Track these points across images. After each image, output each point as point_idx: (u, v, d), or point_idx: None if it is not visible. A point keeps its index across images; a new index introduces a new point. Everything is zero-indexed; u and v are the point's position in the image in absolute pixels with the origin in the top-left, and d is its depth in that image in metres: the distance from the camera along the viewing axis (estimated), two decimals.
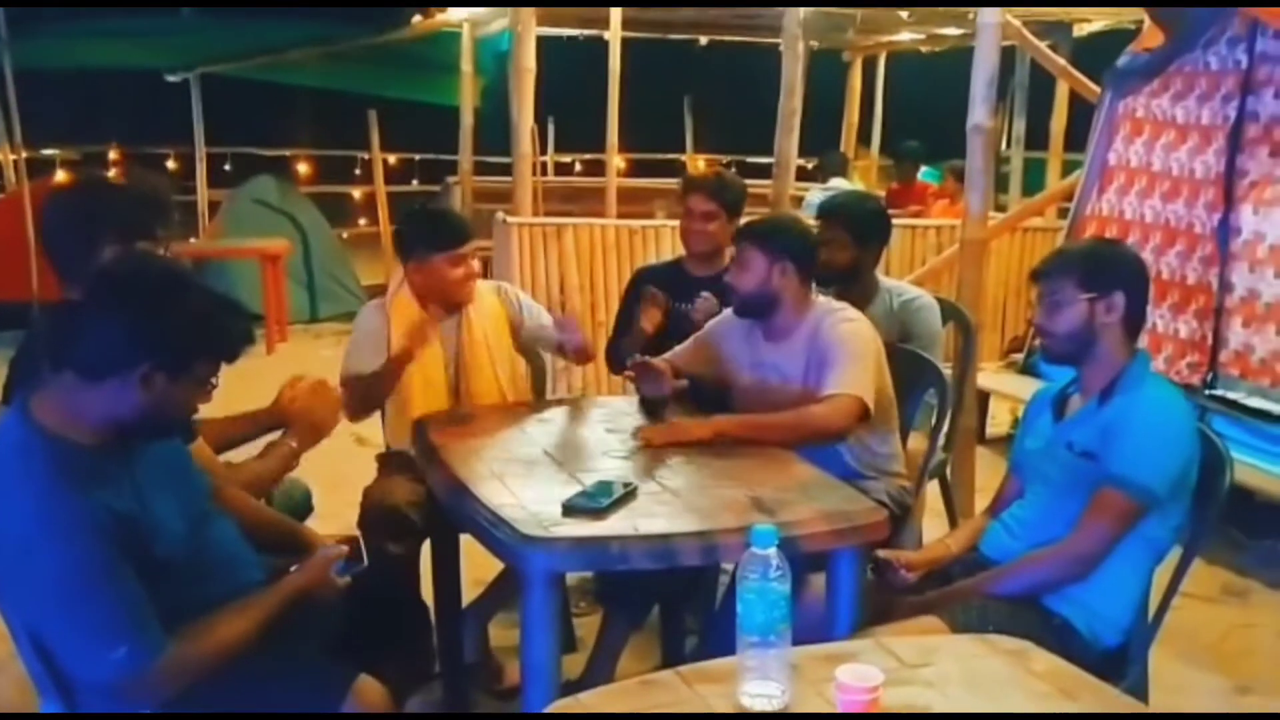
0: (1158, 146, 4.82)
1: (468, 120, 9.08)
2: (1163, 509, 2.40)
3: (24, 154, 8.92)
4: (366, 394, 3.26)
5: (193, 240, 10.57)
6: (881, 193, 8.90)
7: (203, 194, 11.11)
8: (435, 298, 3.33)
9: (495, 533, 2.27)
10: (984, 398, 5.50)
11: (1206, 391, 4.63)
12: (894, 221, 7.23)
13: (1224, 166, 4.52)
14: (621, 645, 3.12)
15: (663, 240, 6.65)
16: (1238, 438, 4.43)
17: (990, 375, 5.55)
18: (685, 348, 3.33)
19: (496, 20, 8.68)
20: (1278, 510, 4.13)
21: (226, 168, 11.97)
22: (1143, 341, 4.81)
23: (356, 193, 12.20)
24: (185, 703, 1.99)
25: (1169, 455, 2.38)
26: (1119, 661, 2.46)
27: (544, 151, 11.57)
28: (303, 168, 12.17)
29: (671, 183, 11.37)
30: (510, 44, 9.94)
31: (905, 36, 9.29)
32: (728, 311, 3.27)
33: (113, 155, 11.66)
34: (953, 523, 3.82)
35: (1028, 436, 2.70)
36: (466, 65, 9.00)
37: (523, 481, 2.52)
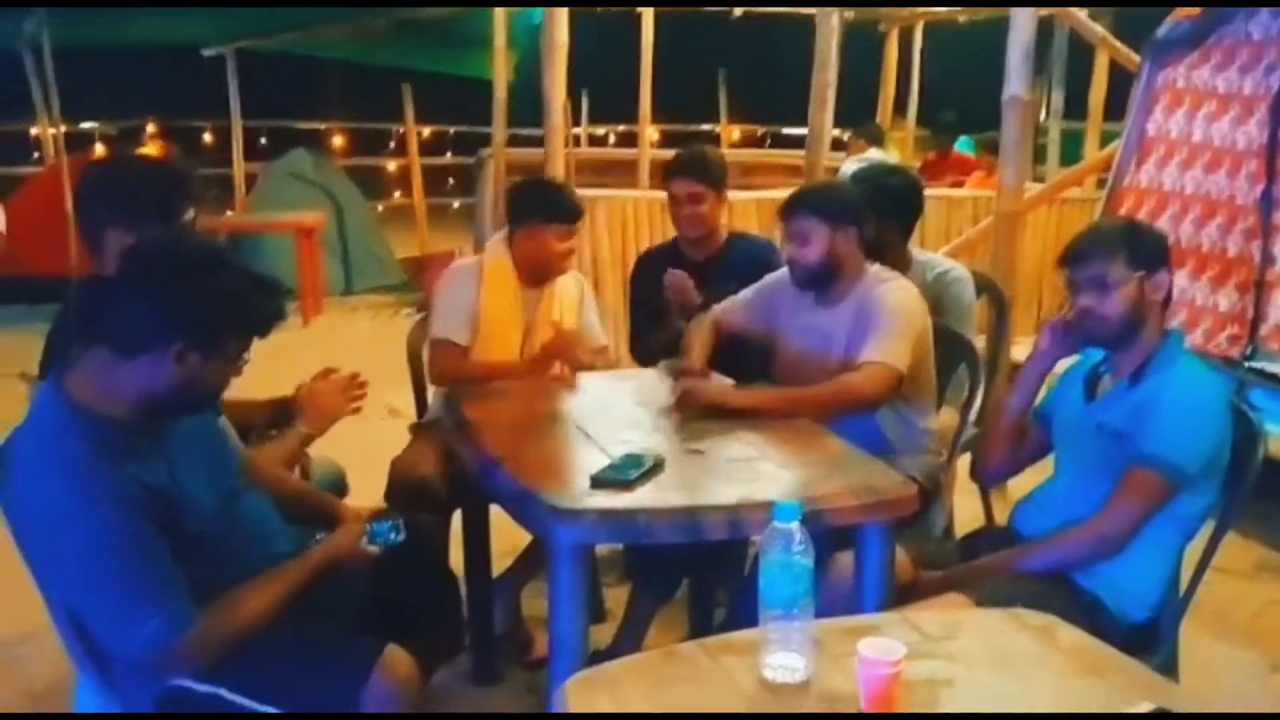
0: (1199, 117, 4.75)
1: (500, 94, 9.04)
2: (1194, 488, 2.37)
3: (63, 128, 9.03)
4: (460, 373, 3.31)
5: (229, 214, 10.68)
6: (917, 164, 8.84)
7: (239, 167, 11.22)
8: (534, 267, 3.40)
9: (524, 505, 2.29)
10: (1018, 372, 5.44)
11: (1246, 364, 4.57)
12: (929, 193, 7.26)
13: (1266, 138, 4.44)
14: (650, 617, 3.13)
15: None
16: (1277, 411, 4.38)
17: (1025, 349, 5.48)
18: (737, 303, 3.34)
19: None
20: None
21: (262, 141, 12.06)
22: (1182, 315, 4.84)
23: (391, 165, 12.27)
24: (215, 675, 2.03)
25: (1201, 434, 2.36)
26: (1149, 638, 2.45)
27: (577, 124, 11.57)
28: (337, 141, 12.25)
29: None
30: (542, 17, 10.04)
31: (942, 8, 9.19)
32: (783, 273, 3.24)
33: (150, 129, 11.77)
34: (984, 497, 3.79)
35: (1058, 407, 2.67)
36: (499, 38, 8.97)
37: (552, 454, 2.53)
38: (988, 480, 2.84)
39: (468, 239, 10.07)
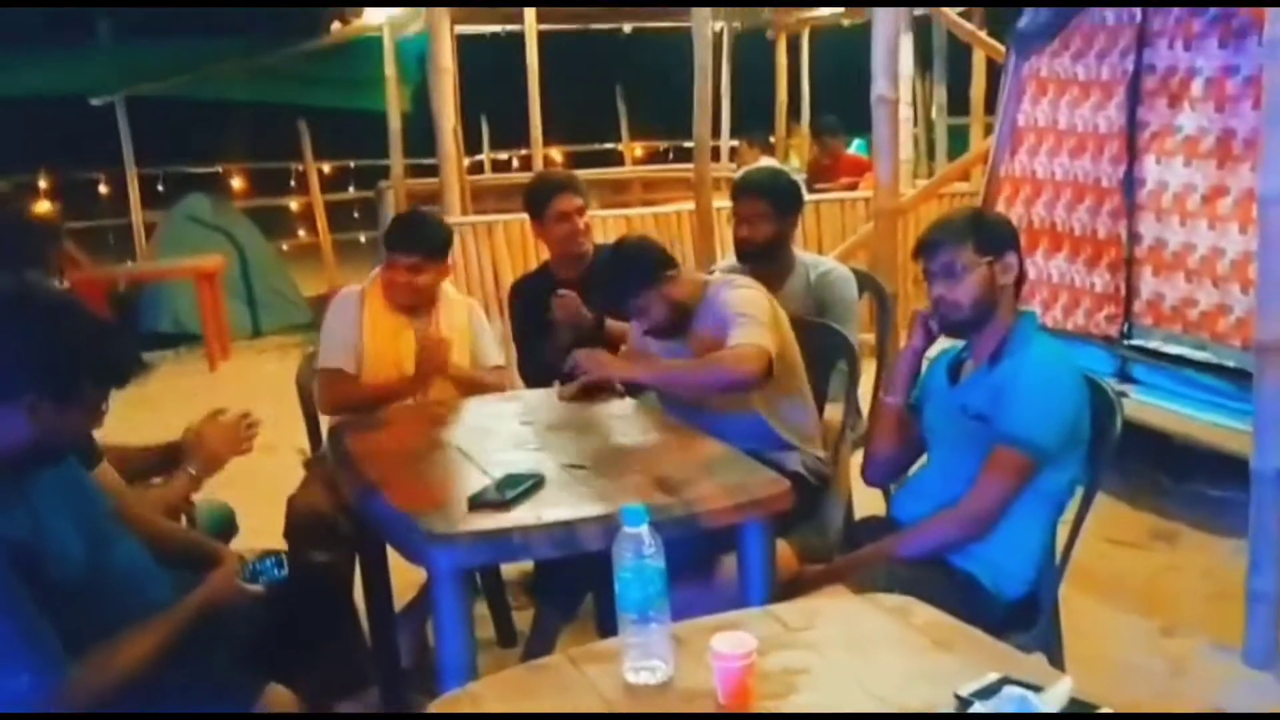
0: (1062, 104, 4.90)
1: (395, 124, 9.05)
2: (1056, 462, 2.46)
3: None
4: (348, 398, 3.35)
5: (129, 263, 10.51)
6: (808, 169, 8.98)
7: (137, 215, 11.04)
8: (396, 298, 3.44)
9: (401, 532, 2.30)
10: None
11: (1125, 342, 4.72)
12: (823, 197, 7.38)
13: (1126, 120, 4.60)
14: (555, 637, 3.15)
15: (595, 230, 6.67)
16: (1157, 384, 4.53)
17: None
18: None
19: (414, 22, 8.67)
20: (1201, 454, 4.21)
21: (160, 188, 11.88)
22: (1063, 297, 4.98)
23: (293, 204, 12.15)
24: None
25: (1056, 410, 2.44)
26: (1027, 612, 2.52)
27: (478, 150, 11.57)
28: (237, 182, 12.11)
29: (607, 172, 11.47)
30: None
31: (824, 11, 9.36)
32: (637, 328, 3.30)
33: (42, 184, 11.54)
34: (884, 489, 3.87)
35: (926, 395, 2.75)
36: (389, 69, 8.98)
37: (431, 479, 2.55)
38: (876, 479, 2.89)
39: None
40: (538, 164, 7.73)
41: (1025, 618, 2.52)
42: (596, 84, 12.52)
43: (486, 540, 2.22)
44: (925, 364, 2.79)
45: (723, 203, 6.57)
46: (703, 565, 2.65)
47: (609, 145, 12.85)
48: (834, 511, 3.25)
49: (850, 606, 1.92)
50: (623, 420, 3.03)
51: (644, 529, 1.67)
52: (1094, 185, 4.75)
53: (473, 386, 3.44)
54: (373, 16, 8.77)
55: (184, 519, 2.88)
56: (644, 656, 1.65)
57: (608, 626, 3.31)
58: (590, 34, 10.06)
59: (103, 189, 11.35)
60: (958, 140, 8.71)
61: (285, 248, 11.67)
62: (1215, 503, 4.22)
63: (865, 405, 3.67)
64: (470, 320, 3.59)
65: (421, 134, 9.63)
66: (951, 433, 2.60)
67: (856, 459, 3.61)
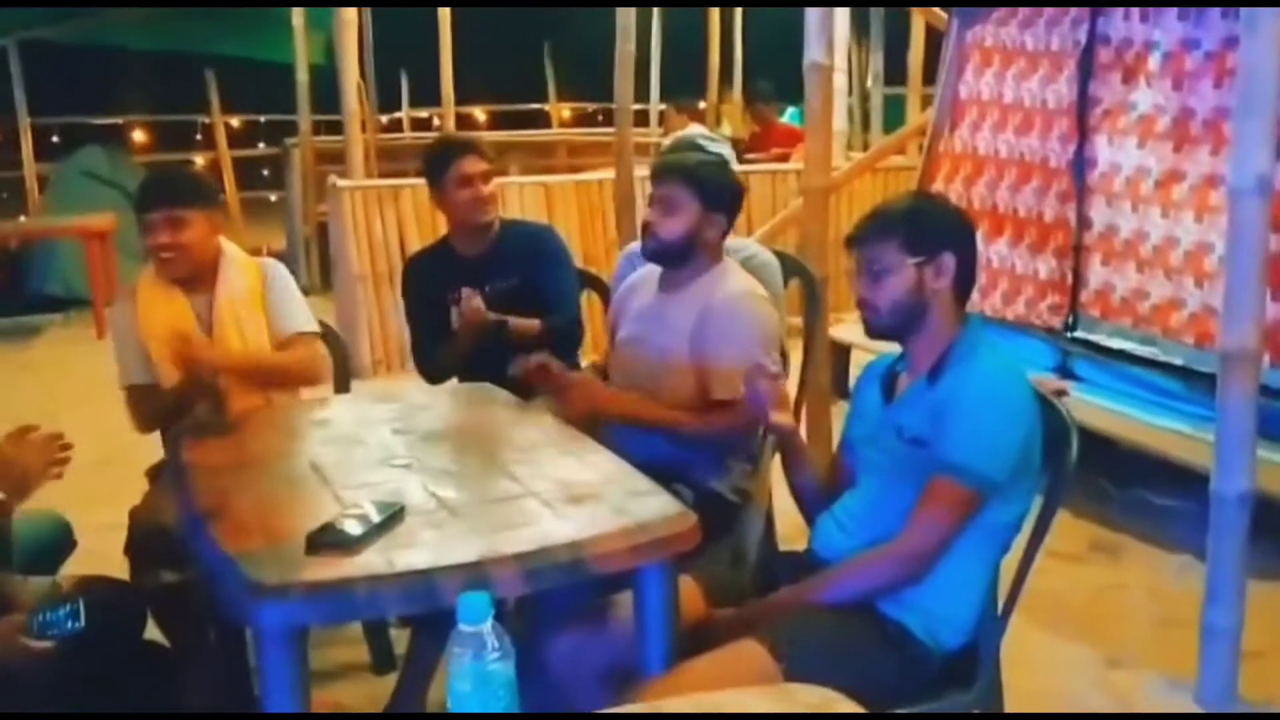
0: (1008, 76, 4.56)
1: (303, 77, 8.51)
2: (1003, 495, 2.12)
3: None
4: (158, 414, 2.96)
5: (21, 219, 9.89)
6: (744, 136, 8.61)
7: (29, 168, 10.37)
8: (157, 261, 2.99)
9: (221, 579, 1.90)
10: (844, 352, 5.23)
11: (1069, 334, 4.42)
12: (752, 168, 7.00)
13: (1076, 95, 4.27)
14: (434, 665, 2.77)
15: (511, 198, 6.26)
16: (1101, 381, 4.25)
17: (850, 327, 5.24)
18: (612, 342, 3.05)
19: None
20: (1144, 457, 3.92)
21: (55, 139, 11.18)
22: (1003, 284, 4.67)
23: (199, 159, 11.53)
24: None
25: (1005, 436, 2.10)
26: (966, 666, 2.19)
27: (396, 107, 11.04)
28: (139, 135, 11.46)
29: (528, 134, 11.00)
30: None
31: None
32: (633, 258, 3.04)
33: None
34: None
35: (856, 418, 2.40)
36: (297, 19, 8.41)
37: (269, 506, 2.14)
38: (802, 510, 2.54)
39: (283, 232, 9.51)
40: (450, 125, 7.24)
41: (964, 672, 2.18)
42: (524, 41, 12.00)
43: (324, 594, 1.81)
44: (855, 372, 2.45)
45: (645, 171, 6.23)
46: (593, 605, 2.29)
47: (536, 106, 12.34)
48: (752, 531, 2.91)
49: (756, 703, 1.54)
50: (514, 428, 2.65)
51: (486, 626, 1.28)
52: (1041, 165, 4.43)
53: (267, 373, 3.01)
54: None
55: None
56: None
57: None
58: None
59: None
60: (895, 112, 8.37)
61: None
62: (1161, 512, 3.94)
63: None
64: (264, 283, 3.09)
65: (335, 88, 9.11)
66: (884, 458, 2.25)
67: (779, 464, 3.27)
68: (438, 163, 3.42)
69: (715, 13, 9.79)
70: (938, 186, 4.65)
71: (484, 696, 1.27)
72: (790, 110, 8.69)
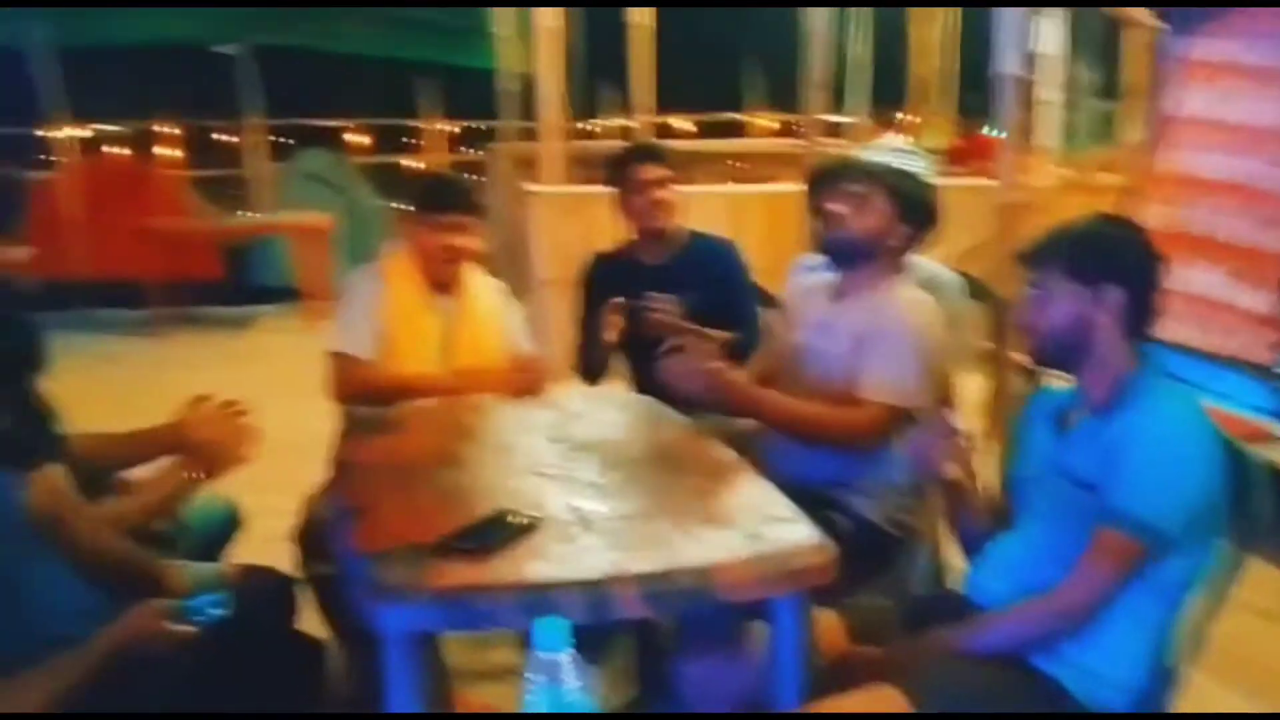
0: (1224, 93, 4.22)
1: (507, 85, 8.71)
2: (1177, 548, 1.94)
3: (72, 131, 8.85)
4: (366, 386, 3.01)
5: (245, 215, 10.46)
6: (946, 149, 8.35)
7: (259, 168, 10.97)
8: (426, 264, 3.09)
9: (351, 577, 1.91)
10: (1036, 380, 4.96)
11: None
12: (953, 182, 6.74)
13: None
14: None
15: (701, 208, 6.20)
16: None
17: None
18: (771, 349, 2.99)
19: None
20: None
21: (284, 140, 11.79)
22: (1217, 319, 4.33)
23: (413, 163, 11.96)
24: None
25: (1181, 484, 1.92)
26: None
27: (598, 116, 11.17)
28: (359, 138, 11.96)
29: (732, 143, 10.94)
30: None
31: None
32: (804, 269, 3.00)
33: (170, 131, 11.56)
34: None
35: (1021, 454, 2.25)
36: (504, 28, 8.61)
37: (415, 510, 2.15)
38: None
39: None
40: (644, 133, 7.25)
41: None
42: (728, 51, 11.99)
43: (445, 601, 1.80)
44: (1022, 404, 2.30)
45: None
46: (727, 633, 2.22)
47: (737, 116, 12.29)
48: (912, 568, 2.78)
49: None
50: (665, 444, 2.60)
51: (563, 655, 1.23)
52: (1263, 191, 4.09)
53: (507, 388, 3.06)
54: None
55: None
56: None
57: (648, 675, 2.93)
58: None
59: (230, 139, 11.29)
60: (1110, 128, 7.96)
61: (401, 208, 11.46)
62: None
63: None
64: (504, 303, 3.25)
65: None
66: (1048, 500, 2.10)
67: None
68: (618, 168, 3.46)
69: (924, 22, 9.52)
70: (1144, 208, 4.36)
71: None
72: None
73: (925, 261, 3.37)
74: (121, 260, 8.13)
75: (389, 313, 3.05)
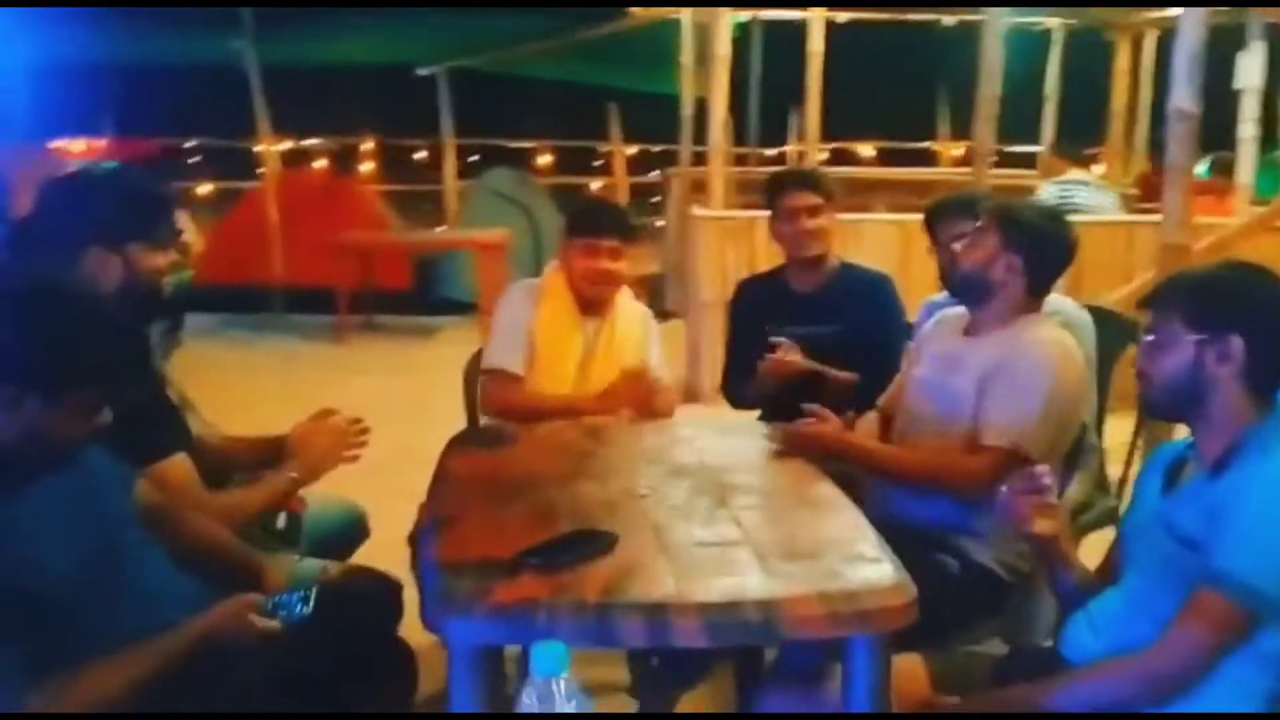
0: None
1: (687, 110, 8.79)
2: None
3: (282, 144, 9.36)
4: (514, 404, 3.10)
5: (439, 230, 10.86)
6: (1130, 185, 7.99)
7: (451, 184, 11.38)
8: (581, 285, 3.16)
9: (428, 587, 1.96)
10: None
11: None
12: (1144, 219, 6.42)
13: None
14: (670, 697, 2.76)
15: (872, 236, 6.12)
16: None
17: None
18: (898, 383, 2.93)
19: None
20: None
21: (473, 159, 12.21)
22: None
23: (596, 184, 12.19)
24: None
25: None
26: None
27: (780, 141, 11.12)
28: (544, 159, 12.26)
29: (918, 172, 10.74)
30: (740, 31, 9.69)
31: (1175, 11, 8.24)
32: (932, 307, 2.99)
33: (365, 146, 12.13)
34: None
35: (1132, 508, 2.13)
36: (686, 56, 8.69)
37: (501, 525, 2.18)
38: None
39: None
40: (810, 160, 7.19)
41: None
42: (919, 79, 11.77)
43: (505, 615, 1.83)
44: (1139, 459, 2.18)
45: None
46: (808, 669, 2.16)
47: (925, 144, 12.05)
48: (1027, 615, 2.66)
49: None
50: (765, 473, 2.57)
51: (559, 679, 1.23)
52: None
53: (653, 412, 3.12)
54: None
55: (282, 518, 2.69)
56: None
57: (747, 694, 2.89)
58: (908, 26, 9.38)
59: (422, 156, 11.77)
60: None
61: None
62: None
63: None
64: (644, 328, 3.27)
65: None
66: (1150, 555, 1.98)
67: (1091, 544, 2.94)
68: (771, 194, 3.47)
69: (1124, 55, 9.13)
70: None
71: None
72: (1204, 161, 7.96)
73: (1060, 299, 3.25)
74: (316, 269, 8.54)
75: (539, 330, 3.13)
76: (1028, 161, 9.88)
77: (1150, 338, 1.97)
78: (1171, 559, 1.91)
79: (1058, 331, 2.63)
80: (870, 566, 2.00)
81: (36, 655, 1.79)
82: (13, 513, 1.82)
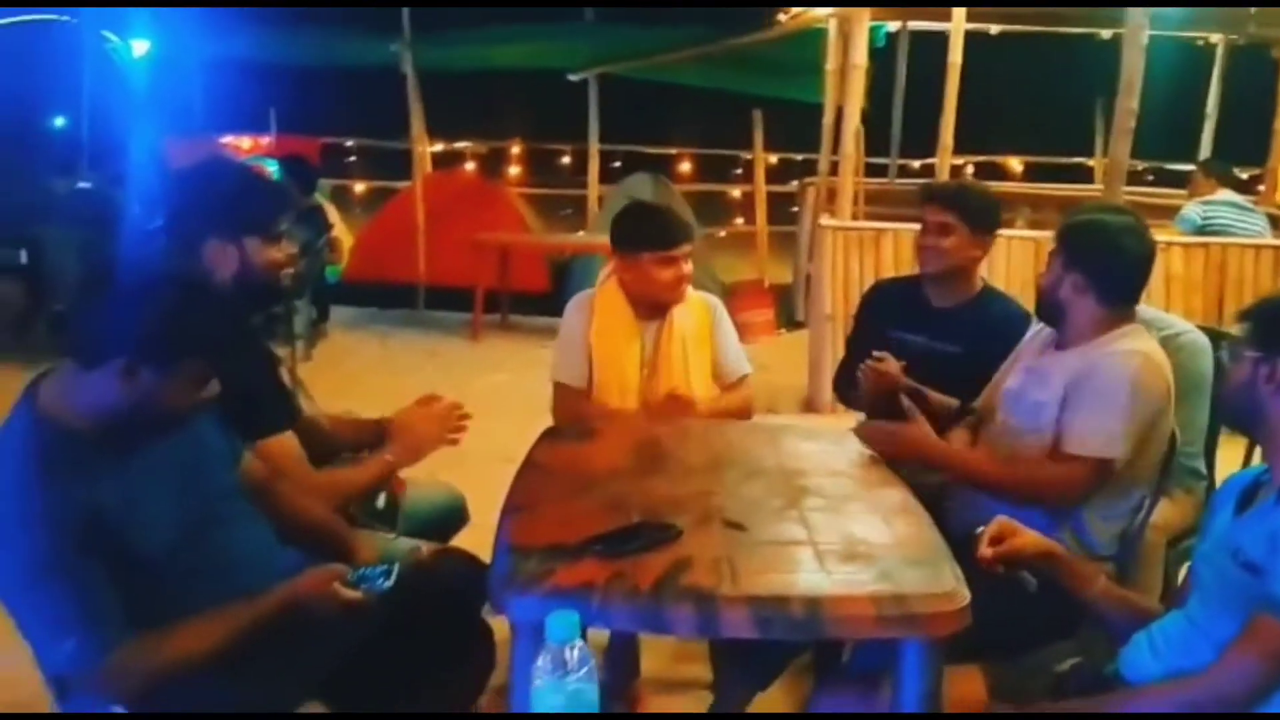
0: None
1: (828, 119, 8.76)
2: None
3: (435, 146, 9.68)
4: (577, 419, 3.11)
5: (580, 234, 11.08)
6: None
7: (593, 189, 11.59)
8: (641, 298, 3.19)
9: (494, 566, 2.06)
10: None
11: None
12: None
13: None
14: (743, 697, 2.80)
15: (1003, 251, 6.02)
16: None
17: None
18: (997, 377, 2.93)
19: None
20: None
21: (617, 164, 12.40)
22: None
23: (736, 191, 12.23)
24: (146, 706, 1.96)
25: None
26: None
27: (929, 153, 10.97)
28: (684, 166, 12.35)
29: (1068, 188, 10.48)
30: (885, 40, 9.62)
31: None
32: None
33: (514, 150, 12.43)
34: None
35: (1204, 531, 2.11)
36: (831, 63, 8.67)
37: (573, 515, 2.26)
38: None
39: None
40: (942, 172, 7.09)
41: None
42: (1078, 95, 11.48)
43: (562, 596, 1.91)
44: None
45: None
46: (872, 673, 2.19)
47: (1079, 160, 11.75)
48: (1105, 640, 2.62)
49: None
50: (841, 478, 2.60)
51: (572, 645, 1.31)
52: None
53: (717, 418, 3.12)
54: (820, 9, 8.51)
55: (381, 498, 2.84)
56: None
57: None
58: (1064, 39, 9.19)
59: (566, 160, 12.00)
60: None
61: (722, 234, 11.78)
62: None
63: None
64: (711, 322, 3.26)
65: (872, 132, 9.29)
66: (1215, 579, 1.96)
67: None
68: (920, 201, 3.41)
69: None
70: None
71: (564, 707, 1.29)
72: None
73: (1172, 319, 3.19)
74: (457, 268, 8.81)
75: (595, 343, 3.18)
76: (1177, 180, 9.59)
77: (1225, 353, 1.97)
78: (1235, 583, 1.89)
79: (1143, 344, 2.59)
80: (925, 572, 2.02)
81: (136, 609, 1.95)
82: (126, 473, 1.99)
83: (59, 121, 10.82)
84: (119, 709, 1.96)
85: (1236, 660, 1.81)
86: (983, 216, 3.25)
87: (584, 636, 1.45)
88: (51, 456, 1.92)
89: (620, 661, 3.12)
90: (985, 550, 2.16)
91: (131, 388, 1.94)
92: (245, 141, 11.95)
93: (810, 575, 1.99)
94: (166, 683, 1.96)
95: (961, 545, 2.18)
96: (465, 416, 2.82)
